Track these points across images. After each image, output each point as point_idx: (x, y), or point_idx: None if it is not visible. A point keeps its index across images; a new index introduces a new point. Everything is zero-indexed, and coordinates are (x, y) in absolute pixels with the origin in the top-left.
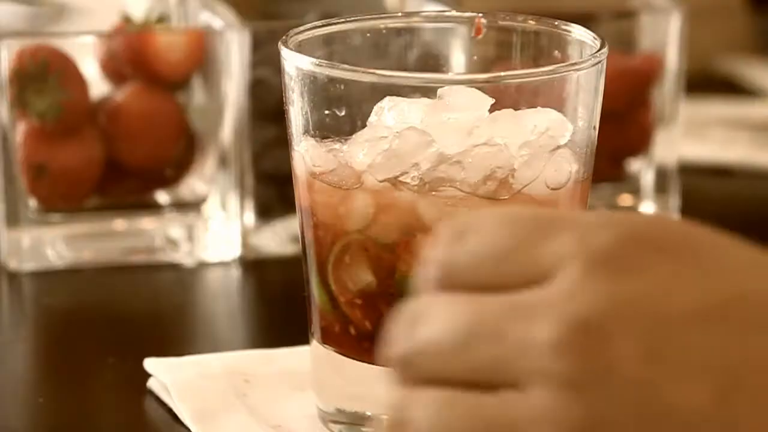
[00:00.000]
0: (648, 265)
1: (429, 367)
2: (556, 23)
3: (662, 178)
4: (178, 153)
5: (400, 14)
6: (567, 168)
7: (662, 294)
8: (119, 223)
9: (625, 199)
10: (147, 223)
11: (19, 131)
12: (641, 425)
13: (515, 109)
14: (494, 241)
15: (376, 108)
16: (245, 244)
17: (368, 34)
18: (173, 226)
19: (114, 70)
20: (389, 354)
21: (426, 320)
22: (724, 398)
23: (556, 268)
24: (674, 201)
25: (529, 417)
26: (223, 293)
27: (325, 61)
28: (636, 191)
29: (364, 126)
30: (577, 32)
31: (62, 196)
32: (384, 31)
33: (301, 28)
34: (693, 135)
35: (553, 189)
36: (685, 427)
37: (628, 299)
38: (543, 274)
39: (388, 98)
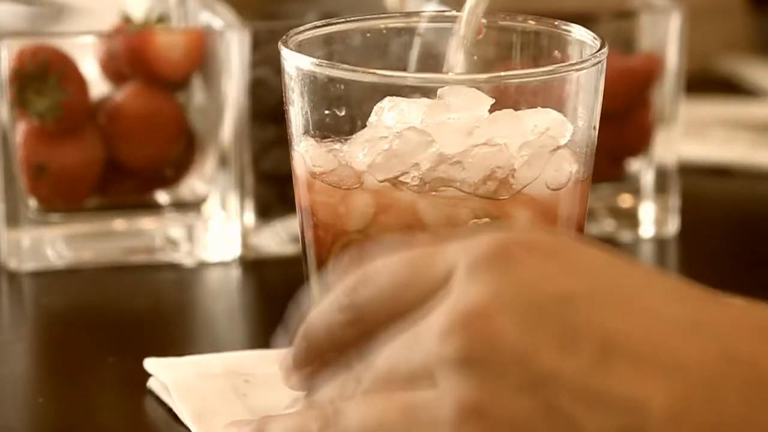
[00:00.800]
0: (522, 261)
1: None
2: (556, 23)
3: (662, 178)
4: (178, 153)
5: (400, 14)
6: (567, 168)
7: (536, 281)
8: (119, 223)
9: (625, 199)
10: (147, 223)
11: (19, 131)
12: (527, 389)
13: (515, 109)
14: (391, 276)
15: (376, 108)
16: (245, 244)
17: (368, 34)
18: (173, 226)
19: (114, 70)
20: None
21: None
22: (602, 362)
23: (446, 278)
24: (674, 201)
25: (430, 401)
26: (223, 293)
27: (325, 61)
28: (636, 191)
29: (364, 126)
30: (577, 32)
31: (62, 196)
32: (384, 31)
33: (301, 28)
34: (693, 135)
35: (553, 189)
36: (566, 387)
37: (506, 287)
38: (438, 287)
39: (388, 98)
